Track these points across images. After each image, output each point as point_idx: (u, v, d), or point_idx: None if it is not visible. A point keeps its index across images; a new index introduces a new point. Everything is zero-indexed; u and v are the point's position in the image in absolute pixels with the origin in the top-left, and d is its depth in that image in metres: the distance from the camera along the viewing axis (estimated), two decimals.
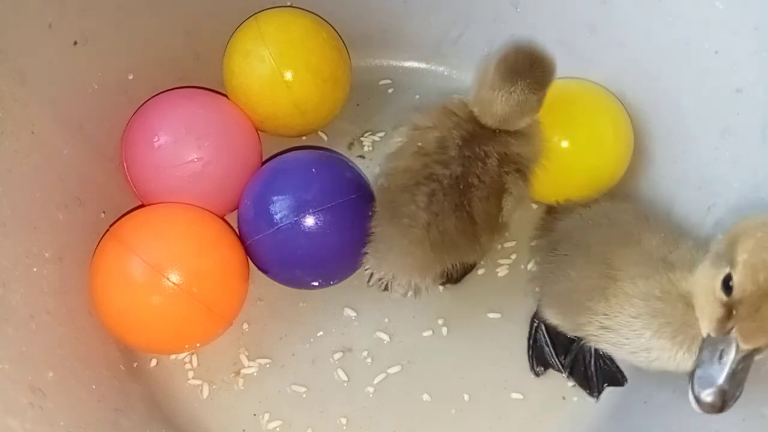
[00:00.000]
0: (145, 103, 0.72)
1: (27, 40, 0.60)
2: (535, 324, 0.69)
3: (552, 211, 0.71)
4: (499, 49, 0.61)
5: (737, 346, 0.43)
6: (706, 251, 0.51)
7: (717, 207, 0.64)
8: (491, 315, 0.72)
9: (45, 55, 0.62)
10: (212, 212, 0.69)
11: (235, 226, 0.70)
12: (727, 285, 0.44)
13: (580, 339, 0.68)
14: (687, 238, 0.56)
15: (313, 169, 0.67)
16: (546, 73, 0.60)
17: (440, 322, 0.71)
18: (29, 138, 0.61)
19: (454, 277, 0.72)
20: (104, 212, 0.71)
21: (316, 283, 0.70)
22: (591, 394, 0.67)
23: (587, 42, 0.73)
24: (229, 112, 0.73)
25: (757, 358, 0.44)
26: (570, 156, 0.69)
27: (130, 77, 0.72)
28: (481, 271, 0.74)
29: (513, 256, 0.75)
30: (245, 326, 0.71)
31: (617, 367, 0.68)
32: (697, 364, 0.45)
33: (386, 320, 0.71)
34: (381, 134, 0.81)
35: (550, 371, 0.69)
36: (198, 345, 0.68)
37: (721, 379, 0.43)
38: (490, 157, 0.60)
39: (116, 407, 0.62)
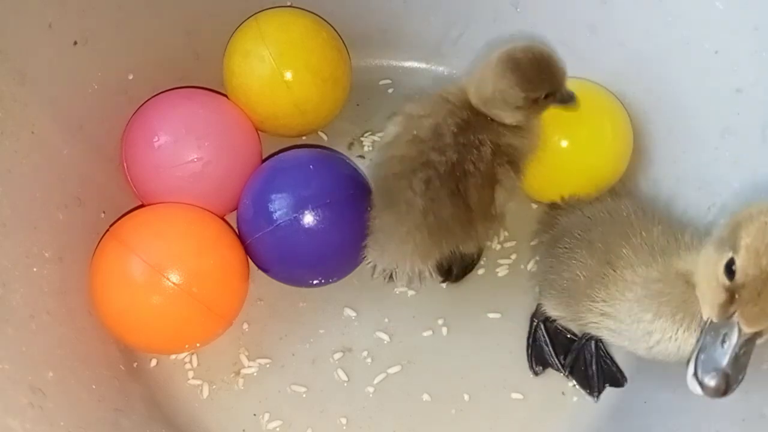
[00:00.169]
0: (145, 103, 0.72)
1: (27, 40, 0.60)
2: (535, 323, 0.69)
3: (555, 208, 0.71)
4: (518, 42, 0.61)
5: (740, 330, 0.44)
6: (706, 238, 0.51)
7: (717, 207, 0.64)
8: (491, 315, 0.72)
9: (45, 55, 0.62)
10: (212, 212, 0.69)
11: (234, 226, 0.70)
12: (729, 269, 0.44)
13: (581, 338, 0.68)
14: (686, 229, 0.57)
15: (311, 166, 0.68)
16: (541, 78, 0.60)
17: (440, 322, 0.71)
18: (29, 138, 0.61)
19: (455, 273, 0.72)
20: (104, 212, 0.71)
21: (316, 281, 0.70)
22: (591, 393, 0.67)
23: (587, 42, 0.73)
24: (229, 112, 0.73)
25: (759, 341, 0.44)
26: (570, 155, 0.69)
27: (130, 77, 0.72)
28: (481, 271, 0.74)
29: (513, 256, 0.75)
30: (245, 326, 0.71)
31: (618, 367, 0.68)
32: (700, 349, 0.45)
33: (386, 320, 0.71)
34: (381, 134, 0.81)
35: (551, 371, 0.69)
36: (198, 345, 0.68)
37: (725, 362, 0.43)
38: (484, 145, 0.61)
39: (116, 407, 0.62)
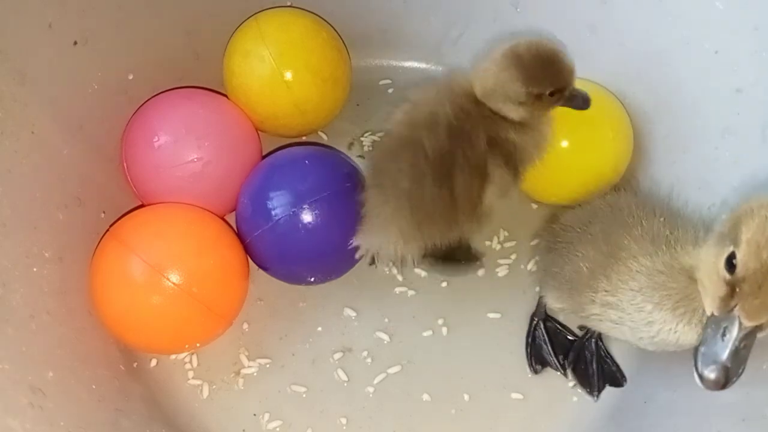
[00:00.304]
0: (145, 103, 0.72)
1: (27, 40, 0.60)
2: (534, 322, 0.69)
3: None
4: (525, 36, 0.61)
5: (740, 324, 0.44)
6: (708, 230, 0.52)
7: (717, 207, 0.64)
8: (491, 315, 0.72)
9: (45, 55, 0.62)
10: (212, 212, 0.69)
11: (234, 226, 0.70)
12: (730, 263, 0.44)
13: (581, 337, 0.68)
14: (688, 220, 0.57)
15: (306, 161, 0.68)
16: (544, 74, 0.59)
17: (440, 322, 0.71)
18: (29, 138, 0.61)
19: (434, 256, 0.72)
20: (104, 212, 0.71)
21: (316, 278, 0.70)
22: (590, 393, 0.67)
23: (587, 42, 0.73)
24: (229, 112, 0.73)
25: (760, 335, 0.45)
26: (570, 155, 0.69)
27: (130, 77, 0.72)
28: (480, 272, 0.74)
29: (513, 256, 0.75)
30: (245, 326, 0.71)
31: (618, 367, 0.68)
32: (701, 342, 0.46)
33: (386, 320, 0.71)
34: (381, 134, 0.81)
35: (551, 372, 0.69)
36: (198, 345, 0.68)
37: (724, 356, 0.44)
38: (478, 137, 0.60)
39: (116, 407, 0.62)
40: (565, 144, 0.68)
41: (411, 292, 0.73)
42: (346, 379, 0.69)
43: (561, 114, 0.65)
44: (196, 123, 0.68)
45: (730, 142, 0.63)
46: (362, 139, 0.81)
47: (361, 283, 0.73)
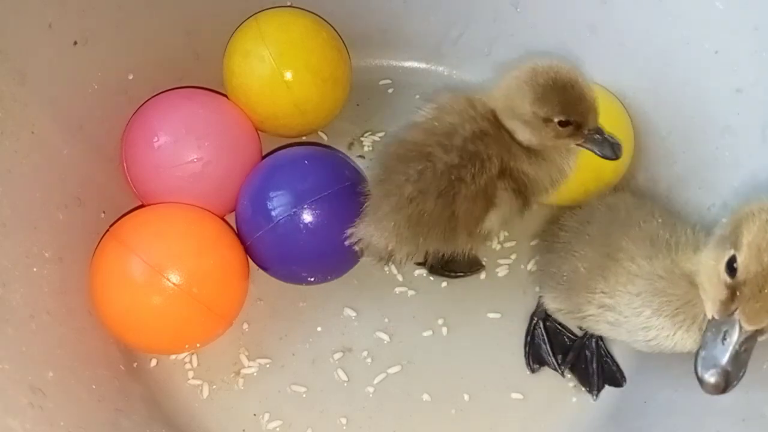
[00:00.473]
0: (145, 103, 0.72)
1: (27, 40, 0.60)
2: (534, 321, 0.70)
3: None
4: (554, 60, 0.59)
5: (740, 328, 0.44)
6: (708, 233, 0.52)
7: (717, 207, 0.64)
8: (491, 315, 0.72)
9: (45, 55, 0.62)
10: (212, 212, 0.69)
11: (234, 226, 0.70)
12: (731, 267, 0.44)
13: (582, 337, 0.68)
14: (686, 221, 0.57)
15: (306, 161, 0.68)
16: (555, 99, 0.56)
17: (440, 322, 0.71)
18: (29, 138, 0.61)
19: (429, 262, 0.72)
20: (104, 212, 0.71)
21: (315, 278, 0.70)
22: (590, 392, 0.68)
23: (587, 42, 0.73)
24: (229, 112, 0.73)
25: (761, 339, 0.45)
26: None
27: (130, 77, 0.72)
28: (481, 274, 0.74)
29: (513, 256, 0.75)
30: (245, 326, 0.71)
31: (618, 366, 0.68)
32: (701, 346, 0.46)
33: (386, 320, 0.71)
34: (381, 134, 0.81)
35: (551, 371, 0.69)
36: (198, 345, 0.68)
37: (725, 360, 0.44)
38: (491, 161, 0.59)
39: (116, 407, 0.62)
40: None
41: (411, 292, 0.73)
42: (346, 379, 0.69)
43: None
44: (196, 123, 0.68)
45: (730, 142, 0.63)
46: (362, 139, 0.81)
47: (361, 283, 0.73)
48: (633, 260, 0.54)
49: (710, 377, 0.44)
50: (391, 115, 0.82)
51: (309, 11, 0.76)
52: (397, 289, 0.73)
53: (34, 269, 0.60)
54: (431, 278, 0.74)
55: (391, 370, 0.69)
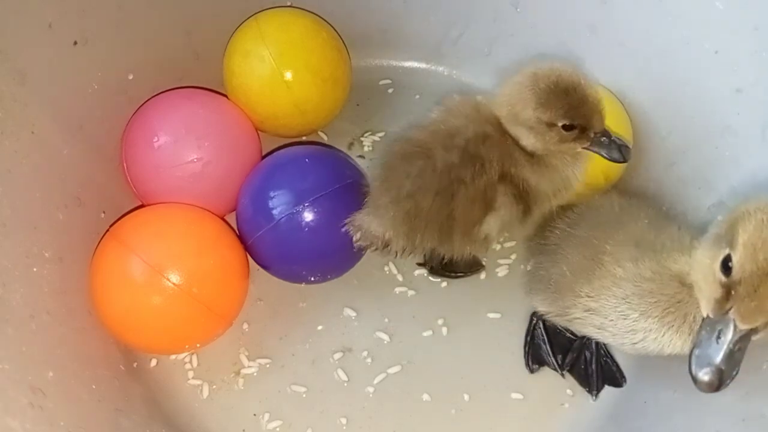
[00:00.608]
0: (145, 103, 0.72)
1: (27, 40, 0.60)
2: (534, 321, 0.70)
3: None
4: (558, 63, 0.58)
5: (735, 327, 0.44)
6: (697, 233, 0.52)
7: (717, 207, 0.64)
8: (491, 315, 0.72)
9: (45, 55, 0.62)
10: (212, 212, 0.69)
11: (234, 226, 0.70)
12: (726, 266, 0.45)
13: (582, 337, 0.68)
14: (673, 222, 0.57)
15: (306, 160, 0.68)
16: (558, 102, 0.56)
17: (440, 322, 0.71)
18: (29, 138, 0.61)
19: (431, 263, 0.72)
20: (104, 212, 0.71)
21: (316, 277, 0.70)
22: (590, 392, 0.68)
23: (587, 42, 0.73)
24: (229, 112, 0.73)
25: (755, 338, 0.45)
26: None
27: (130, 77, 0.72)
28: (481, 274, 0.74)
29: (513, 256, 0.75)
30: (245, 326, 0.71)
31: (618, 367, 0.68)
32: (696, 344, 0.46)
33: (386, 320, 0.71)
34: (381, 134, 0.81)
35: (551, 372, 0.69)
36: (198, 345, 0.68)
37: (719, 358, 0.44)
38: (491, 164, 0.59)
39: (116, 407, 0.62)
40: None
41: (411, 292, 0.73)
42: (346, 379, 0.69)
43: None
44: (196, 123, 0.68)
45: (730, 142, 0.63)
46: (362, 139, 0.81)
47: (361, 283, 0.73)
48: (618, 263, 0.54)
49: (704, 375, 0.44)
50: (391, 115, 0.83)
51: (309, 11, 0.76)
52: (397, 289, 0.73)
53: (34, 269, 0.60)
54: (431, 278, 0.74)
55: (391, 370, 0.69)
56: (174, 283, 0.60)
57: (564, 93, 0.56)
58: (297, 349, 0.70)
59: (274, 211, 0.65)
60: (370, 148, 0.81)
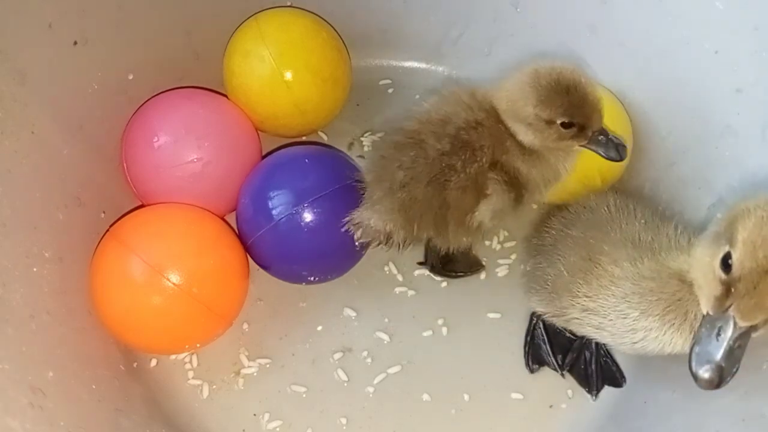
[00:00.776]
0: (145, 103, 0.72)
1: (27, 40, 0.60)
2: (534, 321, 0.70)
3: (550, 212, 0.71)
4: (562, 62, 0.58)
5: (735, 324, 0.44)
6: (692, 232, 0.53)
7: (717, 207, 0.64)
8: (491, 315, 0.72)
9: (45, 55, 0.62)
10: (212, 212, 0.69)
11: (234, 226, 0.70)
12: (726, 263, 0.45)
13: (582, 337, 0.68)
14: (669, 222, 0.57)
15: (306, 160, 0.68)
16: (557, 100, 0.56)
17: (440, 322, 0.71)
18: (29, 138, 0.61)
19: (430, 262, 0.73)
20: (104, 212, 0.71)
21: (316, 277, 0.70)
22: (589, 392, 0.68)
23: (587, 42, 0.73)
24: (229, 112, 0.73)
25: (755, 335, 0.45)
26: None
27: (130, 77, 0.72)
28: (482, 274, 0.74)
29: (513, 256, 0.75)
30: (245, 326, 0.71)
31: (618, 367, 0.68)
32: (696, 341, 0.46)
33: (386, 320, 0.71)
34: (381, 134, 0.81)
35: (551, 372, 0.69)
36: (198, 345, 0.68)
37: (719, 356, 0.44)
38: (483, 151, 0.59)
39: (116, 407, 0.62)
40: None
41: (411, 292, 0.73)
42: (346, 379, 0.69)
43: None
44: (196, 123, 0.68)
45: (730, 142, 0.63)
46: (362, 139, 0.81)
47: (361, 283, 0.73)
48: (616, 263, 0.54)
49: (704, 373, 0.44)
50: (391, 115, 0.82)
51: (309, 11, 0.76)
52: (397, 289, 0.73)
53: (34, 269, 0.60)
54: (431, 278, 0.74)
55: (391, 370, 0.69)
56: (174, 283, 0.60)
57: (564, 91, 0.56)
58: (297, 349, 0.70)
59: (274, 211, 0.65)
60: (370, 148, 0.81)
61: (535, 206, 0.76)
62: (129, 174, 0.70)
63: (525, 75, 0.58)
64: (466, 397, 0.68)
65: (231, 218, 0.72)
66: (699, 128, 0.66)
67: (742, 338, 0.44)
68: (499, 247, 0.75)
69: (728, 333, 0.44)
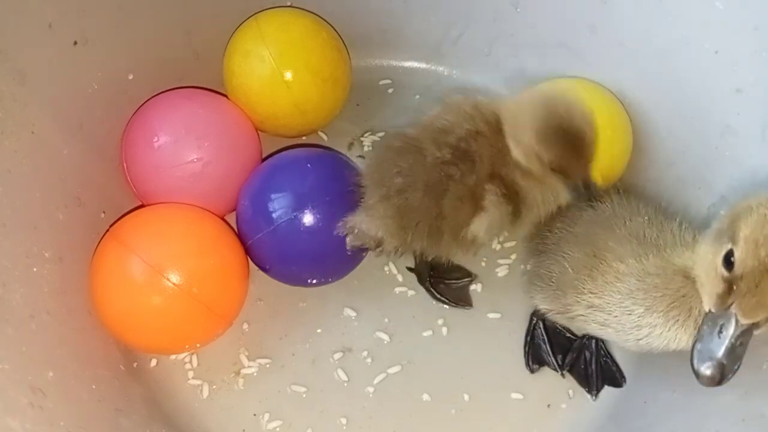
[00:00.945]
0: (145, 103, 0.72)
1: (27, 40, 0.60)
2: (534, 321, 0.70)
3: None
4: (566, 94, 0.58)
5: (737, 321, 0.44)
6: (694, 229, 0.53)
7: (717, 207, 0.64)
8: (491, 315, 0.72)
9: (45, 55, 0.62)
10: (212, 212, 0.69)
11: (234, 226, 0.70)
12: (728, 261, 0.45)
13: (581, 337, 0.68)
14: (672, 219, 0.57)
15: (308, 165, 0.68)
16: (555, 148, 0.56)
17: (440, 322, 0.71)
18: (29, 138, 0.61)
19: (425, 277, 0.72)
20: (104, 212, 0.71)
21: (316, 280, 0.70)
22: (589, 392, 0.68)
23: (587, 42, 0.73)
24: (229, 112, 0.73)
25: (757, 332, 0.45)
26: None
27: (130, 77, 0.72)
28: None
29: (513, 256, 0.75)
30: (245, 326, 0.71)
31: (618, 367, 0.68)
32: (697, 338, 0.46)
33: (386, 320, 0.71)
34: (381, 134, 0.81)
35: (550, 371, 0.69)
36: (198, 345, 0.68)
37: (720, 353, 0.44)
38: (482, 162, 0.59)
39: (116, 407, 0.62)
40: None
41: (411, 292, 0.73)
42: (346, 379, 0.69)
43: None
44: (196, 123, 0.68)
45: (730, 142, 0.63)
46: (362, 139, 0.81)
47: (361, 284, 0.73)
48: (621, 259, 0.54)
49: (706, 370, 0.44)
50: (391, 115, 0.83)
51: (309, 11, 0.76)
52: (397, 289, 0.73)
53: (34, 269, 0.60)
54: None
55: (391, 370, 0.69)
56: (174, 283, 0.60)
57: (565, 141, 0.56)
58: (297, 349, 0.70)
59: (274, 215, 0.65)
60: (370, 148, 0.81)
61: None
62: (129, 174, 0.70)
63: (538, 102, 0.58)
64: (466, 397, 0.68)
65: (231, 218, 0.72)
66: (699, 128, 0.66)
67: (744, 336, 0.44)
68: (499, 247, 0.75)
69: (730, 330, 0.44)
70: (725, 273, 0.45)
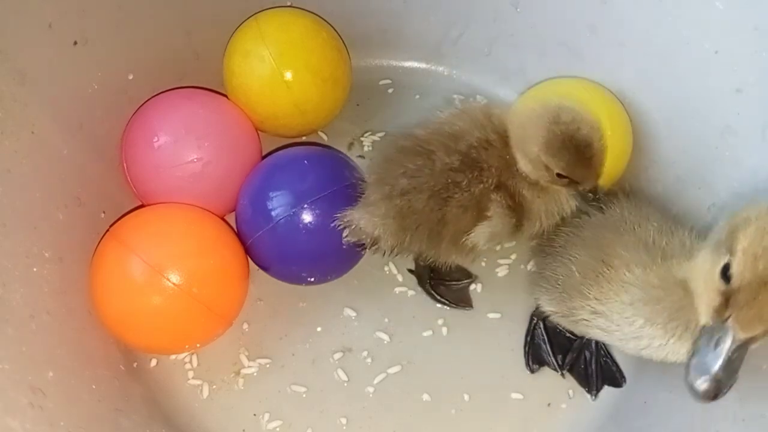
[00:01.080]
0: (145, 103, 0.72)
1: (27, 40, 0.60)
2: (534, 321, 0.69)
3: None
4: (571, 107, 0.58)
5: (733, 335, 0.43)
6: (703, 238, 0.51)
7: (717, 207, 0.64)
8: (491, 315, 0.72)
9: (45, 55, 0.62)
10: (212, 212, 0.69)
11: (234, 226, 0.70)
12: (725, 273, 0.44)
13: (581, 337, 0.68)
14: (682, 226, 0.57)
15: (306, 161, 0.68)
16: (563, 157, 0.56)
17: (440, 322, 0.71)
18: (29, 138, 0.61)
19: (425, 279, 0.72)
20: (104, 212, 0.71)
21: (316, 278, 0.70)
22: (589, 392, 0.68)
23: (587, 42, 0.73)
24: (229, 112, 0.73)
25: (753, 346, 0.44)
26: None
27: (130, 77, 0.72)
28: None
29: (513, 256, 0.75)
30: (245, 326, 0.71)
31: (618, 367, 0.68)
32: (693, 352, 0.45)
33: (386, 320, 0.71)
34: (381, 134, 0.81)
35: (550, 371, 0.69)
36: (198, 345, 0.68)
37: (716, 367, 0.43)
38: (490, 172, 0.59)
39: (116, 407, 0.62)
40: None
41: (411, 292, 0.73)
42: (346, 379, 0.69)
43: None
44: (196, 123, 0.68)
45: (730, 142, 0.63)
46: (362, 139, 0.81)
47: (361, 283, 0.73)
48: (627, 267, 0.53)
49: (701, 384, 0.43)
50: (391, 115, 0.83)
51: (309, 11, 0.76)
52: (397, 289, 0.73)
53: (34, 269, 0.60)
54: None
55: (391, 370, 0.69)
56: (174, 283, 0.60)
57: (574, 150, 0.56)
58: (297, 349, 0.70)
59: (273, 212, 0.65)
60: (370, 148, 0.81)
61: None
62: (129, 174, 0.70)
63: (545, 113, 0.58)
64: (466, 397, 0.68)
65: (231, 218, 0.72)
66: (699, 128, 0.66)
67: (740, 350, 0.43)
68: (499, 247, 0.75)
69: (726, 344, 0.43)
70: (722, 286, 0.44)
